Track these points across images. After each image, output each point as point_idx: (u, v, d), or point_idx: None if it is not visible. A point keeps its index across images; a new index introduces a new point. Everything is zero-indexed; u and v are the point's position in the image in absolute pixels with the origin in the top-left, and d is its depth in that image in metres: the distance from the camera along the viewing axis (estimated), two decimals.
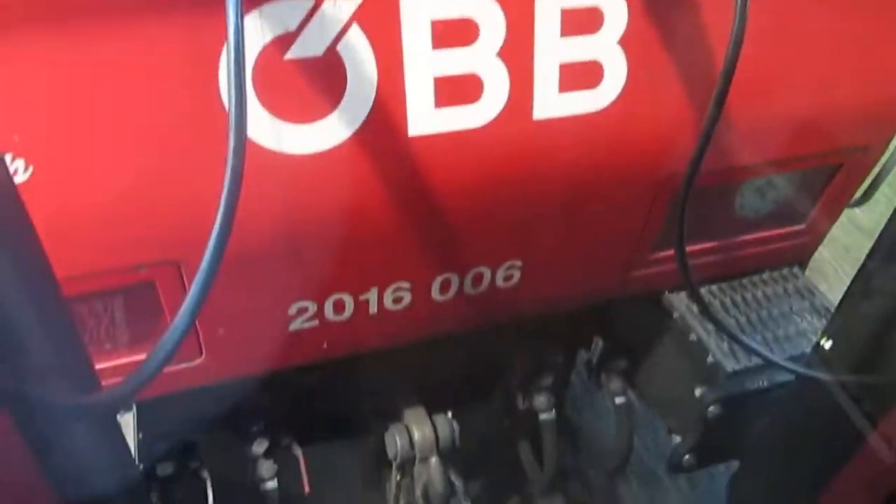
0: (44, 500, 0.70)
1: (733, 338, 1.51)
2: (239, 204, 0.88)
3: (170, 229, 1.27)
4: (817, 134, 1.64)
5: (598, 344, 2.16)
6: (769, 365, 1.77)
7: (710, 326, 1.82)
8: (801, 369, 1.40)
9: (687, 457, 1.97)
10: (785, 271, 1.96)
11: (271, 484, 2.02)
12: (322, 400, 2.05)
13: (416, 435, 2.07)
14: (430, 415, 2.12)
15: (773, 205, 1.80)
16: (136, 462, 1.50)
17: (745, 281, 1.93)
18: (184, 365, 1.52)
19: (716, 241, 1.80)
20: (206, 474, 1.90)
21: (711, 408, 1.82)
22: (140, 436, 1.54)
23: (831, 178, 1.79)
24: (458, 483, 2.11)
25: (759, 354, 1.50)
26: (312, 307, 1.53)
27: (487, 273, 1.64)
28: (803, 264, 1.99)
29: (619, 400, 2.26)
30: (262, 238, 1.35)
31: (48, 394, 0.61)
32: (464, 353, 2.11)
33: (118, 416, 1.55)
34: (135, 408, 1.56)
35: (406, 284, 1.58)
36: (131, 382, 0.76)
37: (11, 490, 0.61)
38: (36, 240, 0.74)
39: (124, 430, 1.52)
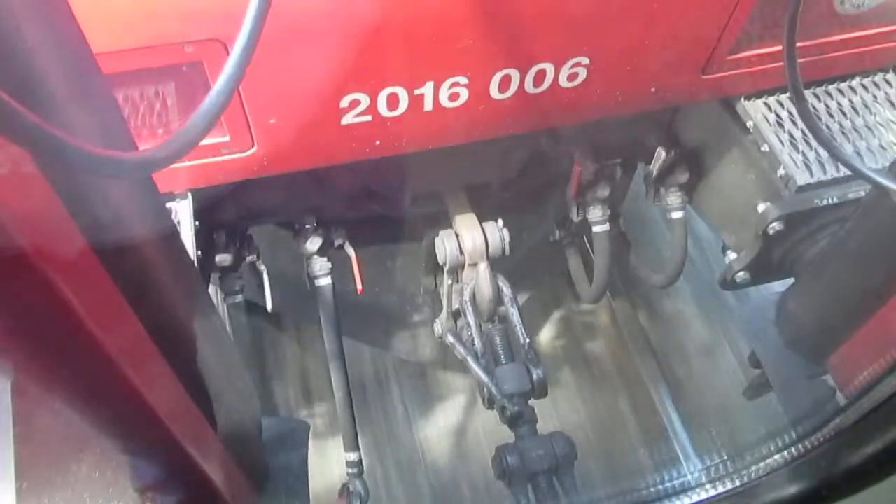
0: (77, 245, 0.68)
1: (826, 145, 1.39)
2: None
3: (213, 3, 1.20)
4: None
5: (661, 155, 2.06)
6: (842, 179, 1.68)
7: (785, 137, 1.71)
8: (886, 181, 1.30)
9: (741, 273, 1.94)
10: (877, 77, 1.79)
11: (325, 281, 2.08)
12: (374, 201, 2.05)
13: (466, 240, 2.07)
14: (480, 221, 2.11)
15: None
16: (194, 249, 1.54)
17: (831, 87, 1.78)
18: (236, 155, 1.50)
19: (807, 40, 1.64)
20: (262, 266, 1.96)
21: (774, 224, 1.75)
22: (197, 224, 1.56)
23: None
24: (506, 289, 2.14)
25: (845, 163, 1.39)
26: (365, 100, 1.47)
27: (551, 70, 1.53)
28: None
29: (676, 215, 2.20)
30: (311, 14, 1.27)
31: (79, 142, 0.57)
32: (518, 160, 2.06)
33: (174, 204, 1.57)
34: (190, 196, 1.57)
35: (463, 80, 1.49)
36: (170, 145, 0.73)
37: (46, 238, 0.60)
38: None
39: (181, 219, 1.55)
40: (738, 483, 1.47)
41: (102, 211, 0.77)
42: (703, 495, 1.41)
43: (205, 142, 1.47)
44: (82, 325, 0.66)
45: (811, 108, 1.73)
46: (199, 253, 1.58)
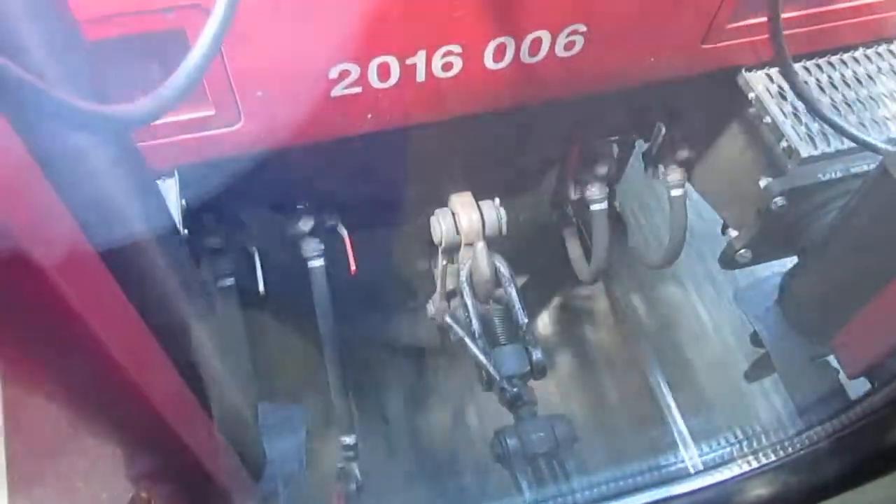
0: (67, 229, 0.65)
1: (825, 119, 1.35)
2: None
3: None
4: None
5: (660, 131, 2.02)
6: (845, 152, 1.64)
7: (788, 108, 1.67)
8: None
9: (742, 251, 1.90)
10: (881, 48, 1.75)
11: (317, 262, 2.04)
12: (367, 179, 2.00)
13: (462, 219, 2.03)
14: (477, 200, 2.07)
15: None
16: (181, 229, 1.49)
17: (833, 59, 1.74)
18: (223, 129, 1.46)
19: (809, 9, 1.60)
20: (254, 248, 1.93)
21: (776, 199, 1.71)
22: (184, 203, 1.52)
23: None
24: (504, 269, 2.10)
25: (851, 137, 1.36)
26: (355, 70, 1.42)
27: (547, 39, 1.49)
28: None
29: (675, 192, 2.16)
30: None
31: (53, 92, 0.53)
32: (515, 136, 2.01)
33: (160, 182, 1.52)
34: (177, 174, 1.52)
35: (457, 48, 1.45)
36: (151, 100, 0.69)
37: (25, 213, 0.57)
38: None
39: (168, 198, 1.50)
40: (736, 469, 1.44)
41: (89, 190, 0.74)
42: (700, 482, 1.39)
43: (189, 116, 1.44)
44: (74, 312, 0.64)
45: (807, 82, 1.70)
46: (187, 233, 1.53)
